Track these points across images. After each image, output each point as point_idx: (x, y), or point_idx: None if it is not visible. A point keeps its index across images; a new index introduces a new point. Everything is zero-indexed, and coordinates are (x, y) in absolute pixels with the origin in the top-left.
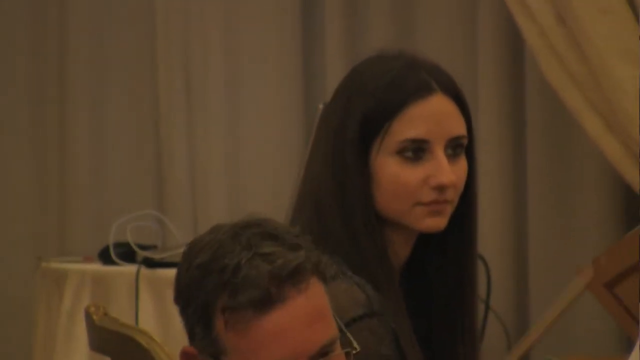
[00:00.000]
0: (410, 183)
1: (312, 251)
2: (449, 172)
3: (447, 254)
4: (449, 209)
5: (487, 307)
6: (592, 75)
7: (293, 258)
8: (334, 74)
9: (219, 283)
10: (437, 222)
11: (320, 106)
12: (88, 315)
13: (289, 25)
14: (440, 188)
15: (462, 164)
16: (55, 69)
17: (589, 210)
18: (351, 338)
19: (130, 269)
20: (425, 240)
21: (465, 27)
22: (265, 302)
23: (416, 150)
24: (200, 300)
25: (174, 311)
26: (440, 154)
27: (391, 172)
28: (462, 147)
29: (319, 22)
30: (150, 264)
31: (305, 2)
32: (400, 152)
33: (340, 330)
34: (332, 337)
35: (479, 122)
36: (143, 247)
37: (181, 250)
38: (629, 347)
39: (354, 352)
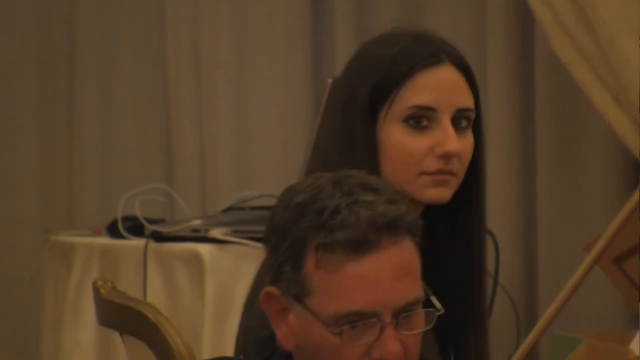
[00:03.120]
0: (415, 151)
1: (408, 210)
2: (455, 140)
3: (457, 229)
4: (453, 181)
5: (496, 283)
6: (600, 50)
7: (393, 209)
8: (342, 50)
9: (316, 222)
10: (441, 193)
11: (329, 81)
12: (96, 289)
13: (298, 1)
14: (446, 157)
15: (469, 137)
16: (65, 44)
17: (598, 186)
18: (435, 301)
19: (138, 242)
20: (431, 216)
21: (475, 3)
22: (362, 245)
23: (423, 118)
24: (294, 237)
25: (182, 285)
26: (447, 123)
27: (397, 140)
28: (469, 122)
29: (328, 1)
30: (159, 237)
31: None
32: (407, 119)
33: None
34: (418, 298)
35: (488, 99)
36: (151, 221)
37: (190, 224)
38: (636, 323)
39: (438, 313)
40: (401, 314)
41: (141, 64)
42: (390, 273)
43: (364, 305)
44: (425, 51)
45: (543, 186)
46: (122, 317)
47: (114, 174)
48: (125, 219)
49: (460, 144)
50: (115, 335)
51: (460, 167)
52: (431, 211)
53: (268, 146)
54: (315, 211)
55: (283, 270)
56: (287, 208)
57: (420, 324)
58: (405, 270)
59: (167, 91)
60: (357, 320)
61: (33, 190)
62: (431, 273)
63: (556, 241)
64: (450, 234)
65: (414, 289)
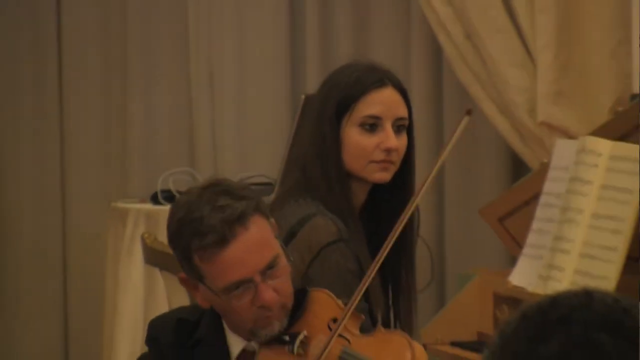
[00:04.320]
0: (367, 147)
1: (253, 198)
2: (394, 139)
3: (396, 202)
4: (392, 168)
5: (417, 235)
6: (489, 75)
7: (239, 206)
8: (312, 75)
9: (191, 231)
10: (384, 176)
11: (302, 96)
12: (143, 240)
13: (281, 38)
14: (388, 151)
15: (404, 138)
16: (119, 61)
17: (488, 170)
18: (287, 251)
19: None
20: (373, 197)
21: (402, 40)
22: (223, 241)
23: (372, 124)
24: (181, 244)
25: None
26: (389, 127)
27: (355, 139)
28: (404, 128)
29: (301, 39)
30: None
31: (292, 24)
32: (361, 125)
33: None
34: (275, 255)
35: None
36: (181, 193)
37: None
38: (513, 263)
39: (291, 259)
40: (266, 270)
41: (173, 84)
42: (248, 250)
43: (238, 277)
44: (375, 77)
45: (450, 169)
46: (162, 259)
47: (155, 160)
48: (163, 191)
49: (398, 142)
50: (156, 272)
51: (397, 158)
52: (377, 190)
53: (260, 141)
54: (188, 223)
55: (184, 264)
56: (173, 223)
57: (284, 270)
58: (259, 243)
59: (191, 103)
60: (238, 286)
61: (97, 171)
62: (372, 234)
63: (458, 207)
64: (392, 205)
65: (270, 250)
